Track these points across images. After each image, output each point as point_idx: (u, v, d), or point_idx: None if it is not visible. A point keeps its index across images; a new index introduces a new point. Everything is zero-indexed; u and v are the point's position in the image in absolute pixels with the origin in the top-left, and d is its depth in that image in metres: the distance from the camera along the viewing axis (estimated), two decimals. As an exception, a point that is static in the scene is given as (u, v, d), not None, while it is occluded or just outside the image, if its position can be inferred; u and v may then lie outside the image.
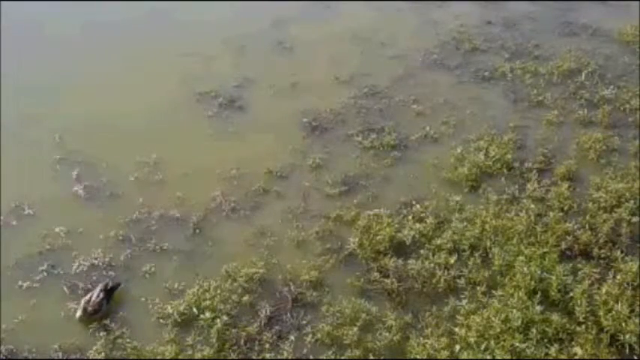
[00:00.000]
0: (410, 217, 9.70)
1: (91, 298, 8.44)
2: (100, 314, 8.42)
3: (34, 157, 10.43)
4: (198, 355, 8.01)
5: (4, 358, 8.00)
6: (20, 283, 8.81)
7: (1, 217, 9.61)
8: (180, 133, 10.99)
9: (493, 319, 8.31)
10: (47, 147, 10.61)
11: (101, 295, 8.47)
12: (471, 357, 7.93)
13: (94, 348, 8.09)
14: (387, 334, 8.29)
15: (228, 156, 10.60)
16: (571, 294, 8.60)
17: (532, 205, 9.82)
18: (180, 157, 10.56)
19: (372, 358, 8.00)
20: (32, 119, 11.00)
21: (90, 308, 8.36)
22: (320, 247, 9.38)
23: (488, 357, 7.95)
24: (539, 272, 8.79)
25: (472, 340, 8.14)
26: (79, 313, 8.40)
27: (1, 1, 10.89)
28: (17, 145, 10.55)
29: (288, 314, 8.58)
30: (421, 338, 8.24)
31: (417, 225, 9.55)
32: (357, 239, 9.36)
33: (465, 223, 9.58)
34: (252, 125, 11.30)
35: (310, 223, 9.69)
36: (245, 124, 11.33)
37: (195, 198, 9.96)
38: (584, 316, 8.38)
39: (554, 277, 8.73)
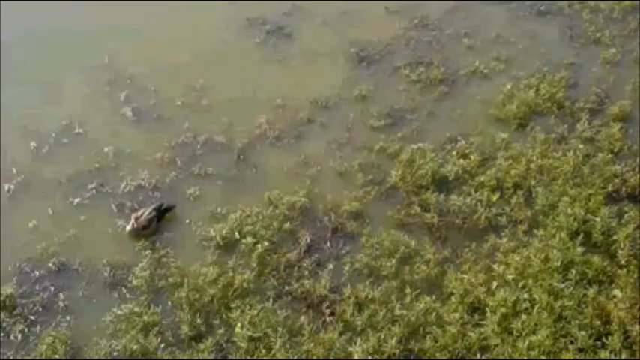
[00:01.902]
0: (454, 153, 9.62)
1: (142, 214, 8.68)
2: (148, 231, 8.67)
3: (85, 77, 10.57)
4: (239, 278, 8.23)
5: (55, 267, 8.35)
6: (71, 199, 9.11)
7: (53, 135, 9.84)
8: (227, 59, 10.97)
9: (532, 258, 8.30)
10: (97, 68, 10.73)
11: (153, 213, 8.71)
12: (508, 294, 7.97)
13: (140, 265, 8.39)
14: (425, 267, 8.37)
15: (274, 84, 10.58)
16: (614, 237, 8.50)
17: (581, 146, 9.63)
18: (227, 83, 10.58)
19: (408, 290, 8.11)
20: (83, 41, 11.07)
21: (139, 224, 8.61)
22: (362, 178, 9.41)
23: (526, 295, 7.98)
24: (582, 214, 8.69)
25: (510, 277, 8.17)
26: (129, 227, 8.67)
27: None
28: (68, 65, 10.68)
29: (328, 243, 8.71)
30: (459, 273, 8.30)
31: (461, 161, 9.47)
32: (399, 172, 9.35)
33: (510, 161, 9.47)
34: (299, 54, 11.20)
35: (353, 155, 9.70)
36: (292, 53, 11.23)
37: (241, 124, 10.03)
38: (626, 259, 8.31)
39: (598, 219, 8.62)
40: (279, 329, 7.76)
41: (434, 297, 8.08)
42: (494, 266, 8.32)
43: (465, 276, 8.25)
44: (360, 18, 11.76)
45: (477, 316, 7.92)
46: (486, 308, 7.93)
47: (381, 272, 8.35)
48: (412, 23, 11.75)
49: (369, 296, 8.07)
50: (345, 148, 9.81)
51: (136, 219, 8.64)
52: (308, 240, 8.69)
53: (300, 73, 10.80)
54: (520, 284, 8.11)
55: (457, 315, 7.87)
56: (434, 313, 7.92)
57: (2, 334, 7.80)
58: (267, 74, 10.82)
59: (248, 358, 7.57)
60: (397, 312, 7.92)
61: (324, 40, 11.38)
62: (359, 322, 7.86)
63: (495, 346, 7.66)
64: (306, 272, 8.38)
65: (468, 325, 7.82)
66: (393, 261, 8.40)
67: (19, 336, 7.79)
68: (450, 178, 9.31)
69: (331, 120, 10.21)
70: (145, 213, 8.71)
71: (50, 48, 10.93)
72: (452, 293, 8.12)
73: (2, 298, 8.00)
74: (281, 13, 11.87)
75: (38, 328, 7.87)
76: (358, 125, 10.13)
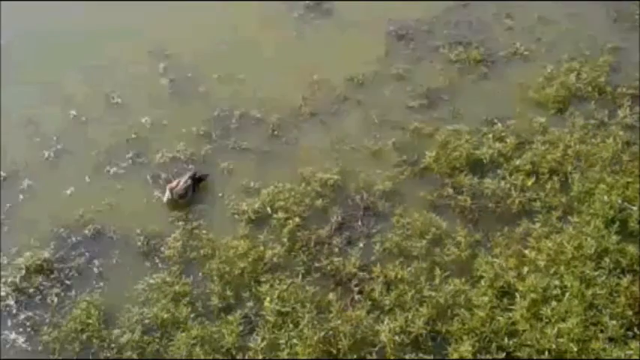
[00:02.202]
0: (490, 136, 9.51)
1: (178, 183, 8.80)
2: (185, 200, 8.78)
3: (125, 47, 10.65)
4: (269, 253, 8.30)
5: (90, 234, 8.52)
6: (108, 168, 9.26)
7: (93, 104, 9.95)
8: (264, 33, 10.95)
9: (566, 244, 8.20)
10: (137, 39, 10.80)
11: (188, 182, 8.81)
12: (538, 280, 7.91)
13: (173, 235, 8.51)
14: (456, 249, 8.34)
15: (311, 60, 10.54)
16: (651, 227, 8.36)
17: (621, 132, 9.44)
18: (263, 58, 10.58)
19: (438, 271, 8.09)
20: (124, 13, 11.14)
21: (176, 193, 8.71)
22: (396, 158, 9.37)
23: (557, 282, 7.91)
24: (619, 202, 8.54)
25: (542, 263, 8.10)
26: (166, 197, 8.78)
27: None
28: (110, 37, 10.76)
29: (359, 222, 8.73)
30: (489, 257, 8.26)
31: (497, 144, 9.36)
32: (433, 153, 9.28)
33: (547, 146, 9.33)
34: (338, 30, 11.11)
35: (388, 134, 9.66)
36: (330, 29, 11.16)
37: (276, 100, 10.04)
38: (662, 250, 8.17)
39: (635, 208, 8.47)
40: (308, 305, 7.83)
41: (463, 280, 8.06)
42: (526, 251, 8.25)
43: (495, 260, 8.20)
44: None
45: (506, 301, 7.88)
46: (516, 293, 7.88)
47: (411, 253, 8.35)
48: (453, 2, 11.56)
49: (398, 276, 8.08)
50: (380, 127, 9.76)
51: (172, 189, 8.75)
52: (339, 218, 8.72)
53: (337, 50, 10.74)
54: (552, 271, 8.04)
55: (486, 299, 7.84)
56: (462, 296, 7.90)
57: (39, 297, 8.01)
58: (305, 50, 10.78)
59: (276, 331, 7.66)
60: (426, 293, 7.92)
61: (363, 17, 11.26)
62: (387, 302, 7.89)
63: (524, 331, 7.63)
64: (336, 250, 8.42)
65: (496, 310, 7.79)
66: (424, 242, 8.39)
67: (55, 300, 8.00)
68: (485, 161, 9.22)
69: (367, 98, 10.16)
70: (181, 182, 8.81)
71: (94, 21, 11.01)
72: (482, 277, 8.09)
73: (40, 262, 8.20)
74: (320, -13, 11.77)
75: (73, 292, 8.06)
76: (394, 104, 10.07)
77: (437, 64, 10.62)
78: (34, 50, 10.58)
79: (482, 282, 8.03)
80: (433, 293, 7.91)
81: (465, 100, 10.13)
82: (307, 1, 11.53)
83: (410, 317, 7.73)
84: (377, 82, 10.36)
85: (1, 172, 9.11)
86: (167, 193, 8.77)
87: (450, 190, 8.94)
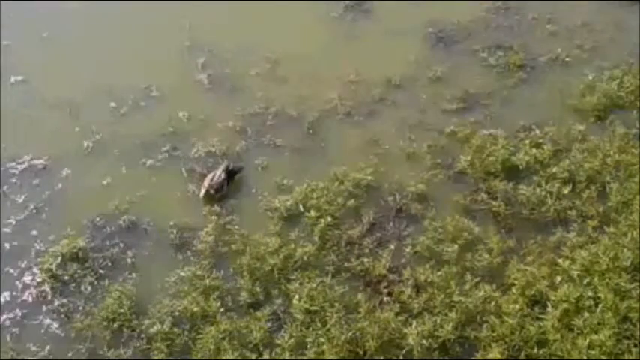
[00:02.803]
0: (527, 142, 9.40)
1: (213, 177, 8.88)
2: (221, 193, 8.85)
3: (165, 42, 10.78)
4: (300, 251, 8.33)
5: (125, 225, 8.65)
6: (144, 160, 9.38)
7: (132, 97, 10.11)
8: (303, 32, 10.97)
9: (601, 255, 8.07)
10: (177, 34, 10.92)
11: (223, 176, 8.89)
12: (571, 290, 7.80)
13: (205, 230, 8.59)
14: (487, 255, 8.26)
15: (348, 59, 10.54)
16: (690, 241, 8.18)
17: (662, 143, 9.26)
18: (301, 57, 10.60)
19: (469, 277, 8.04)
20: (166, 8, 11.26)
21: (212, 187, 8.79)
22: (430, 161, 9.32)
23: (590, 293, 7.79)
24: (658, 214, 8.38)
25: (575, 273, 7.97)
26: (202, 192, 8.86)
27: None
28: (149, 30, 10.91)
29: (391, 223, 8.71)
30: (521, 264, 8.16)
31: (534, 150, 9.25)
32: (468, 158, 9.21)
33: (585, 154, 9.19)
34: (376, 31, 11.09)
35: (423, 136, 9.61)
36: (369, 29, 11.14)
37: (312, 98, 10.07)
38: (700, 265, 7.99)
39: (673, 222, 8.31)
40: (336, 305, 7.83)
41: (494, 286, 7.98)
42: (560, 260, 8.13)
43: (527, 268, 8.11)
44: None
45: (537, 310, 7.78)
46: (548, 302, 7.78)
47: (442, 257, 8.30)
48: (494, 5, 11.45)
49: (428, 280, 8.05)
50: (416, 129, 9.72)
51: (209, 183, 8.81)
52: (371, 218, 8.71)
53: (375, 50, 10.72)
54: (585, 281, 7.91)
55: (517, 306, 7.76)
56: (493, 303, 7.83)
57: (74, 285, 8.17)
58: (343, 49, 10.78)
59: (303, 330, 7.68)
60: (455, 298, 7.87)
61: (403, 18, 11.21)
62: (416, 305, 7.86)
63: (554, 341, 7.52)
64: (367, 250, 8.41)
65: (527, 318, 7.70)
66: (455, 246, 8.33)
67: (89, 288, 8.14)
68: (521, 168, 9.12)
69: (403, 100, 10.13)
70: (216, 176, 8.88)
71: (135, 15, 11.17)
72: (513, 284, 8.00)
73: (75, 250, 8.35)
74: (361, -13, 11.75)
75: (106, 281, 8.20)
76: (430, 107, 10.02)
77: (475, 68, 10.53)
78: (76, 41, 10.78)
79: (514, 289, 7.94)
80: (463, 298, 7.85)
81: (502, 105, 10.04)
82: (347, 1, 11.52)
83: (438, 321, 7.68)
84: (414, 84, 10.32)
85: (42, 161, 9.30)
86: (205, 187, 8.84)
87: (484, 196, 8.87)
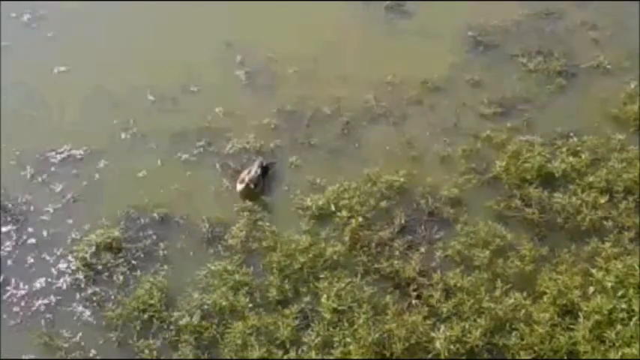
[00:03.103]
0: (564, 149, 9.28)
1: (249, 172, 8.89)
2: (258, 189, 8.89)
3: (204, 38, 10.88)
4: (330, 250, 8.34)
5: (158, 218, 8.77)
6: (179, 154, 9.48)
7: (170, 91, 10.20)
8: (342, 32, 10.97)
9: (636, 267, 7.93)
10: (217, 30, 11.01)
11: (258, 172, 8.93)
12: (604, 301, 7.67)
13: (237, 225, 8.65)
14: (519, 262, 8.18)
15: (386, 61, 10.51)
16: None
17: None
18: (339, 57, 10.60)
19: (499, 283, 7.96)
20: (207, 6, 11.34)
21: (250, 182, 8.82)
22: (464, 165, 9.25)
23: (624, 305, 7.65)
24: (697, 228, 8.20)
25: (609, 284, 7.84)
26: (241, 186, 8.87)
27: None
28: (189, 26, 11.01)
29: (422, 226, 8.67)
30: (554, 273, 8.06)
31: (571, 158, 9.12)
32: (503, 163, 9.12)
33: (624, 164, 9.03)
34: (415, 32, 11.03)
35: (458, 140, 9.54)
36: (408, 31, 11.09)
37: (348, 98, 10.07)
38: None
39: None
40: (364, 305, 7.83)
41: (525, 294, 7.90)
42: (593, 271, 8.01)
43: (560, 277, 8.00)
44: (484, 2, 11.34)
45: (568, 320, 7.68)
46: (579, 313, 7.67)
47: (472, 262, 8.24)
48: (536, 10, 11.31)
49: (458, 284, 7.99)
50: (451, 133, 9.66)
51: (246, 179, 8.83)
52: (402, 221, 8.68)
53: (413, 52, 10.67)
54: (619, 293, 7.78)
55: (547, 315, 7.66)
56: (523, 311, 7.74)
57: (106, 274, 8.30)
58: (381, 50, 10.75)
59: (330, 329, 7.69)
60: (485, 304, 7.80)
61: (442, 20, 11.14)
62: (444, 309, 7.81)
63: (585, 352, 7.42)
64: (397, 253, 8.38)
65: (557, 328, 7.60)
66: (487, 252, 8.26)
67: (121, 278, 8.27)
68: (557, 175, 9.00)
69: (440, 102, 10.07)
70: (252, 172, 8.92)
71: (177, 12, 11.27)
72: (544, 293, 7.90)
73: (109, 240, 8.49)
74: (402, -12, 11.69)
75: (138, 272, 8.31)
76: (467, 111, 9.94)
77: (514, 73, 10.42)
78: (118, 36, 10.92)
79: (545, 298, 7.85)
80: (492, 305, 7.78)
81: (540, 112, 9.91)
82: (387, 2, 11.49)
83: (467, 327, 7.63)
84: (451, 87, 10.25)
85: (81, 151, 9.46)
86: (243, 183, 8.87)
87: (518, 202, 8.77)
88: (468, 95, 10.14)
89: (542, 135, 9.50)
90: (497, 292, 7.91)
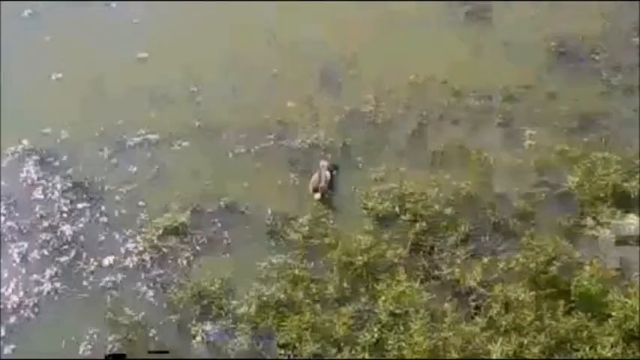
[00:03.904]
0: (643, 169, 8.95)
1: (319, 177, 8.90)
2: (332, 190, 8.93)
3: (282, 37, 10.91)
4: (391, 252, 8.31)
5: (224, 207, 8.92)
6: (250, 146, 9.59)
7: (247, 84, 10.29)
8: (420, 35, 10.80)
9: None
10: (294, 29, 11.05)
11: (329, 175, 8.94)
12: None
13: (300, 220, 8.72)
14: (586, 282, 7.92)
15: (465, 67, 10.34)
16: None
17: None
18: (416, 58, 10.44)
19: (562, 301, 7.74)
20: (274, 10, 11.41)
21: (325, 187, 8.87)
22: (536, 178, 9.05)
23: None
24: None
25: (679, 313, 7.52)
26: (318, 195, 8.88)
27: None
28: (275, 24, 11.05)
29: (487, 236, 8.52)
30: (622, 296, 7.78)
31: (649, 179, 8.80)
32: (577, 179, 8.86)
33: None
34: (497, 39, 10.79)
35: (532, 152, 9.33)
36: (489, 37, 10.86)
37: (422, 102, 9.97)
38: None
39: None
40: (421, 311, 7.77)
41: (589, 315, 7.65)
42: (664, 297, 7.70)
43: (628, 300, 7.71)
44: (568, 13, 10.99)
45: (634, 346, 7.40)
46: (646, 340, 7.40)
47: (536, 277, 8.03)
48: (621, 24, 10.91)
49: (520, 299, 7.82)
50: (525, 144, 9.45)
51: (321, 184, 8.83)
52: (467, 229, 8.55)
53: (493, 61, 10.47)
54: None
55: (612, 339, 7.41)
56: (585, 332, 7.52)
57: (171, 258, 8.52)
58: (460, 57, 10.57)
59: (386, 331, 7.66)
60: (546, 321, 7.61)
61: (524, 29, 10.88)
62: (503, 323, 7.66)
63: (648, 382, 7.15)
64: (459, 261, 8.27)
65: (622, 354, 7.32)
66: (552, 268, 8.04)
67: (185, 262, 8.48)
68: (633, 196, 8.67)
69: (517, 112, 9.86)
70: (323, 176, 8.93)
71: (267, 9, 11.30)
72: (610, 315, 7.64)
73: (177, 225, 8.71)
74: (484, -5, 11.49)
75: (201, 258, 8.50)
76: (544, 122, 9.70)
77: (595, 87, 10.09)
78: (202, 26, 11.08)
79: (610, 321, 7.60)
80: (554, 323, 7.59)
81: (620, 128, 9.58)
82: (469, 7, 11.28)
83: (525, 343, 7.46)
84: (530, 98, 10.02)
85: (156, 136, 9.70)
86: (319, 190, 8.88)
87: (590, 220, 8.50)
88: (545, 106, 9.89)
89: (620, 152, 9.18)
90: (560, 310, 7.69)
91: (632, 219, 8.44)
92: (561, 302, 7.74)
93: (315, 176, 9.01)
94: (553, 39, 10.72)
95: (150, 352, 7.70)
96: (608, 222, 8.46)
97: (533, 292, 7.87)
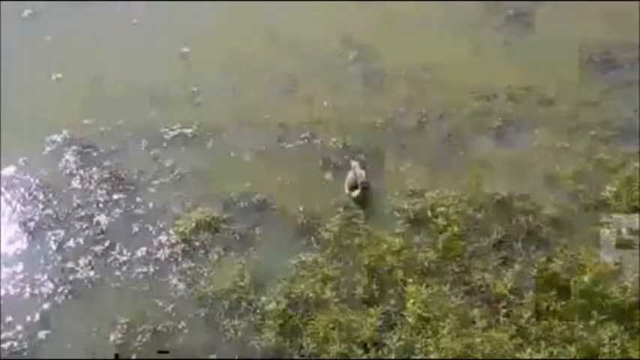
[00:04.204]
0: (684, 181, 8.76)
1: (355, 176, 8.86)
2: (369, 190, 8.88)
3: (318, 33, 10.93)
4: (422, 256, 8.28)
5: (257, 203, 8.97)
6: (284, 143, 9.64)
7: (281, 82, 10.37)
8: (460, 37, 10.73)
9: None
10: (331, 26, 11.06)
11: (363, 173, 8.90)
12: None
13: (332, 220, 8.73)
14: (620, 294, 7.79)
15: (501, 72, 10.22)
16: None
17: None
18: (454, 61, 10.35)
19: (595, 313, 7.62)
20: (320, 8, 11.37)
21: (364, 184, 8.83)
22: (572, 186, 8.91)
23: None
24: None
25: None
26: (356, 192, 8.84)
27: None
28: (306, 21, 11.10)
29: (519, 244, 8.43)
30: (657, 310, 7.64)
31: (689, 191, 8.61)
32: (614, 189, 8.71)
33: None
34: (534, 45, 10.66)
35: (568, 159, 9.20)
36: (527, 43, 10.74)
37: (458, 106, 9.90)
38: None
39: None
40: (450, 316, 7.72)
41: (622, 328, 7.53)
42: (701, 314, 7.54)
43: (663, 316, 7.58)
44: (616, 21, 10.75)
45: (667, 361, 7.27)
46: (680, 356, 7.25)
47: (569, 287, 7.92)
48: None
49: (551, 308, 7.73)
50: (561, 151, 9.33)
51: (359, 181, 8.81)
52: (499, 235, 8.47)
53: (530, 65, 10.33)
54: None
55: (644, 353, 7.29)
56: (618, 344, 7.39)
57: (202, 252, 8.60)
58: (497, 61, 10.48)
59: (413, 335, 7.63)
60: (577, 332, 7.50)
61: (565, 35, 10.70)
62: (533, 331, 7.58)
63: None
64: (490, 267, 8.20)
65: (653, 368, 7.21)
66: (585, 279, 7.92)
67: (215, 257, 8.55)
68: (672, 207, 8.51)
69: (552, 119, 9.73)
70: (359, 175, 8.89)
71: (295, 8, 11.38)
72: (644, 329, 7.52)
73: (209, 220, 8.79)
74: (529, -2, 11.31)
75: (232, 254, 8.56)
76: (580, 130, 9.55)
77: (636, 97, 9.89)
78: (238, 24, 11.19)
79: (643, 335, 7.47)
80: (585, 334, 7.48)
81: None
82: (509, 11, 11.17)
83: (555, 353, 7.37)
84: (566, 105, 9.88)
85: (192, 130, 9.79)
86: (353, 190, 8.86)
87: (625, 231, 8.35)
88: (583, 114, 9.73)
89: (662, 164, 9.00)
90: (592, 322, 7.58)
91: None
92: (594, 314, 7.62)
93: (351, 174, 9.00)
94: (595, 46, 10.48)
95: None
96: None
97: (564, 302, 7.76)
